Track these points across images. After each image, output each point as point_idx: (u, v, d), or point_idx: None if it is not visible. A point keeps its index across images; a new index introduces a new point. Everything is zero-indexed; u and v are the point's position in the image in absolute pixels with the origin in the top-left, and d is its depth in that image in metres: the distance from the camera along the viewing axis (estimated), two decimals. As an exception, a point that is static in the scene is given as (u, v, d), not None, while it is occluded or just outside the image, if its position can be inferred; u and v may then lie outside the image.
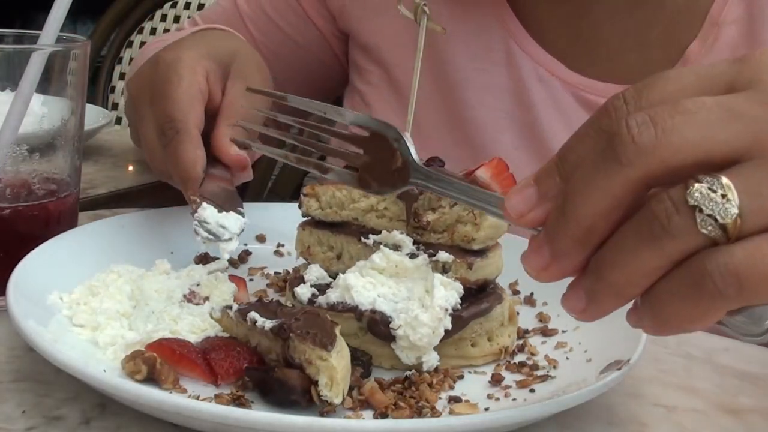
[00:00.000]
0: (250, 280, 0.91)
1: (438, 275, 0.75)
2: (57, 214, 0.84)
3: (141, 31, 2.29)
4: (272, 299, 0.85)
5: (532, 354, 0.79)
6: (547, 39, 1.11)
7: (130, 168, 1.40)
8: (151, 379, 0.67)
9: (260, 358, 0.71)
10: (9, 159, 0.80)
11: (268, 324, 0.69)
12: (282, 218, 0.96)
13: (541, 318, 0.85)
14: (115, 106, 2.24)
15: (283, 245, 0.98)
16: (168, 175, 0.87)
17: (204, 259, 0.91)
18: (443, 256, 0.78)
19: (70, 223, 0.87)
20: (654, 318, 0.50)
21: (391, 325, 0.72)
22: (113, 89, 2.27)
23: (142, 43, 2.21)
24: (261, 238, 0.99)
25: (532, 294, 0.89)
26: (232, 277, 0.85)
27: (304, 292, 0.77)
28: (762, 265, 0.46)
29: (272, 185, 2.10)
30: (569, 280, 0.54)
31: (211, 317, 0.76)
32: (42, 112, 0.83)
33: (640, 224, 0.49)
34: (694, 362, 0.82)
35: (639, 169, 0.48)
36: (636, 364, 0.69)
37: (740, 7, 1.05)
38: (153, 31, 2.27)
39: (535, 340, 0.81)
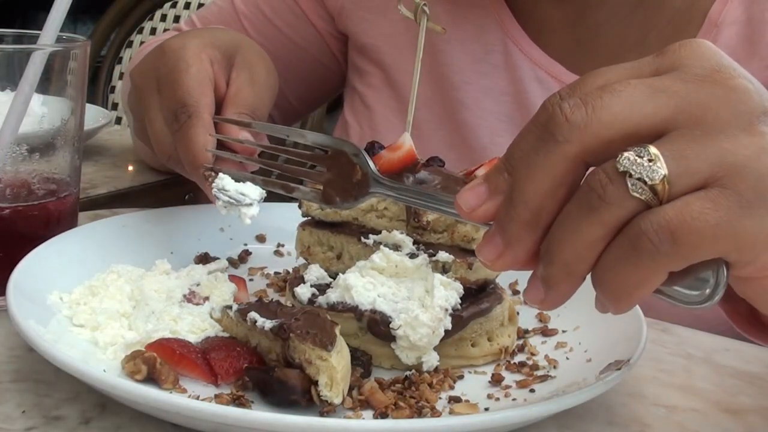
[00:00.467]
0: (250, 280, 0.91)
1: (438, 275, 0.75)
2: (57, 214, 0.84)
3: (141, 31, 2.29)
4: (272, 299, 0.85)
5: (532, 354, 0.79)
6: (545, 40, 1.11)
7: (130, 168, 1.39)
8: (151, 379, 0.67)
9: (260, 358, 0.71)
10: (9, 159, 0.80)
11: (268, 324, 0.69)
12: (282, 218, 0.96)
13: (541, 318, 0.85)
14: (115, 106, 2.24)
15: (283, 245, 0.98)
16: (176, 161, 0.85)
17: (204, 259, 0.91)
18: (443, 256, 0.78)
19: (70, 223, 0.87)
20: (605, 291, 0.53)
21: (391, 325, 0.72)
22: (113, 89, 2.27)
23: (142, 43, 2.21)
24: (261, 238, 0.99)
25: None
26: (232, 277, 0.85)
27: (304, 292, 0.77)
28: (692, 220, 0.49)
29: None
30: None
31: (211, 317, 0.76)
32: (42, 112, 0.82)
33: (579, 200, 0.52)
34: (694, 362, 0.82)
35: (575, 145, 0.52)
36: (636, 364, 0.69)
37: (739, 9, 1.05)
38: (153, 31, 2.27)
39: (535, 340, 0.81)
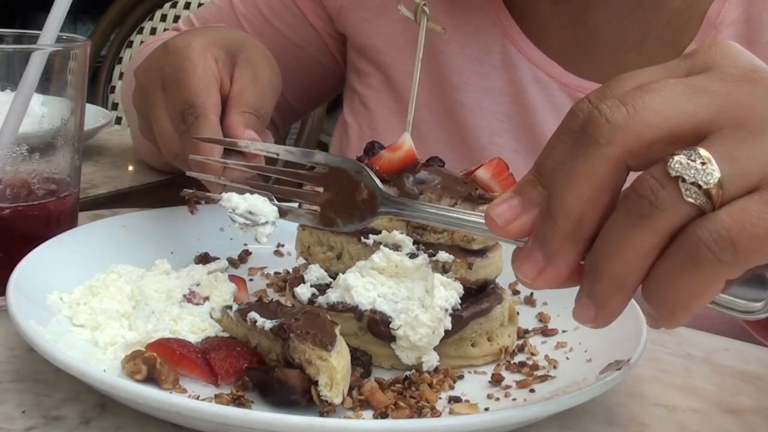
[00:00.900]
0: (250, 280, 0.91)
1: (438, 275, 0.75)
2: (57, 214, 0.84)
3: (141, 31, 2.28)
4: (272, 299, 0.85)
5: (532, 354, 0.79)
6: (544, 41, 1.11)
7: (130, 168, 1.39)
8: (151, 379, 0.67)
9: (260, 358, 0.71)
10: (9, 159, 0.80)
11: (268, 324, 0.69)
12: (282, 218, 0.96)
13: (541, 318, 0.85)
14: (115, 106, 2.24)
15: (283, 245, 0.98)
16: (183, 160, 0.85)
17: (204, 259, 0.91)
18: (443, 256, 0.78)
19: (70, 223, 0.87)
20: (660, 305, 0.50)
21: (391, 325, 0.72)
22: (113, 89, 2.27)
23: (142, 43, 2.21)
24: (261, 238, 0.99)
25: (532, 294, 0.89)
26: (232, 277, 0.85)
27: (304, 292, 0.77)
28: (751, 227, 0.47)
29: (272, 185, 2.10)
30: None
31: (211, 317, 0.76)
32: (42, 112, 0.82)
33: (627, 208, 0.50)
34: (694, 362, 0.82)
35: (617, 147, 0.50)
36: (636, 364, 0.69)
37: (738, 9, 1.05)
38: (153, 31, 2.27)
39: (535, 340, 0.81)
